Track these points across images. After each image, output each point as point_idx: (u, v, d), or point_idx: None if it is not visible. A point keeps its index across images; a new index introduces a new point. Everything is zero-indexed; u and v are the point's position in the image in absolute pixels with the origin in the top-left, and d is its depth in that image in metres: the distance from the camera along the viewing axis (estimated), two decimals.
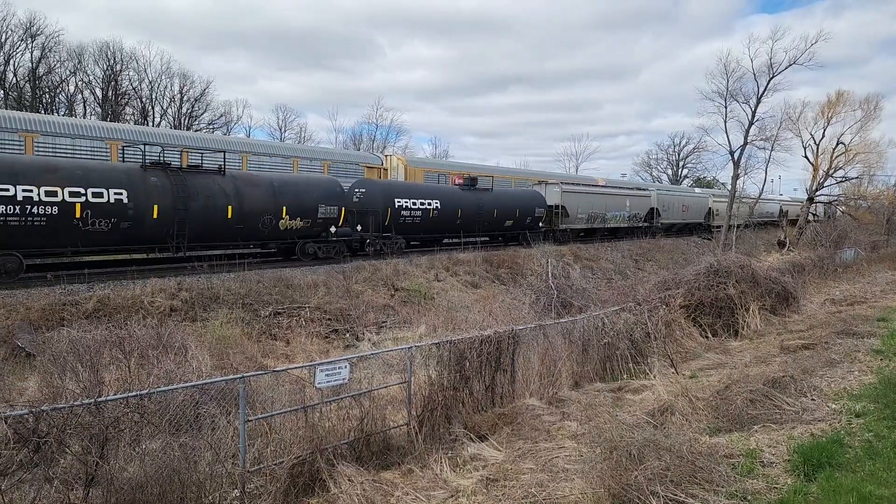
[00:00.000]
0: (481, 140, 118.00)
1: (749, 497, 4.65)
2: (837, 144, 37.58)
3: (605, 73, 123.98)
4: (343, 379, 6.63)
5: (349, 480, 5.87)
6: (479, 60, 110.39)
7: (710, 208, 48.59)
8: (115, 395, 5.88)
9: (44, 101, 47.09)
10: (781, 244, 36.45)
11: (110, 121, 42.18)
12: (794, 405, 6.85)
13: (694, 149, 79.24)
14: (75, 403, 5.20)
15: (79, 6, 69.90)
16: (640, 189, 43.09)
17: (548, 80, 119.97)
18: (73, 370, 7.70)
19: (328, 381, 6.50)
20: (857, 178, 39.67)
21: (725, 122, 34.01)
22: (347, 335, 14.54)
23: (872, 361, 9.23)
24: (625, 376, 9.57)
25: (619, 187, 42.55)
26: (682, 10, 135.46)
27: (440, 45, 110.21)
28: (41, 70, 46.57)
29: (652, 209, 41.26)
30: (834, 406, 6.98)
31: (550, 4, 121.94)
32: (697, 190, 58.67)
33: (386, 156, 30.12)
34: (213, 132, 52.96)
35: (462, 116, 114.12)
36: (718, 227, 42.73)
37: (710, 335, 12.92)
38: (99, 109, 49.74)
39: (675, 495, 4.34)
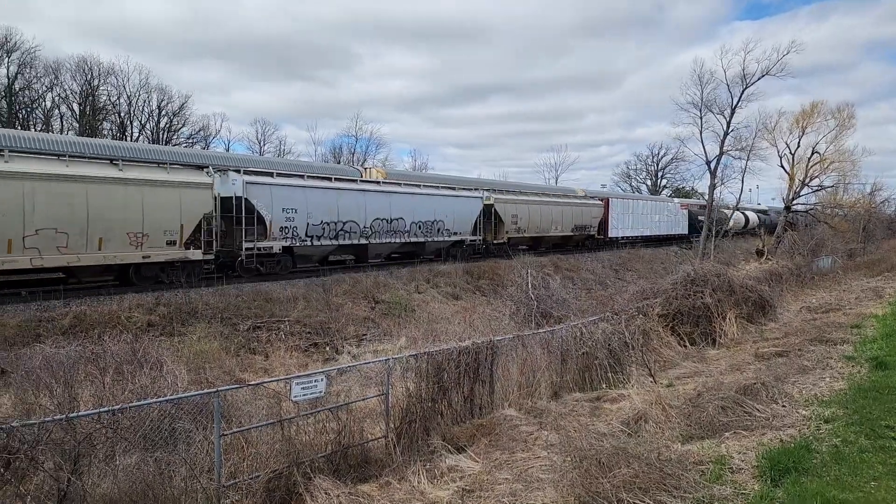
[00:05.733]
0: (462, 151, 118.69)
1: (716, 502, 4.74)
2: (812, 154, 38.41)
3: (588, 81, 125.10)
4: (319, 392, 6.63)
5: (326, 494, 5.87)
6: (460, 69, 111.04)
7: (489, 211, 29.05)
8: (88, 410, 5.83)
9: (20, 116, 46.46)
10: (760, 253, 37.09)
11: (87, 136, 41.72)
12: (765, 412, 6.98)
13: (672, 159, 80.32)
14: (46, 419, 5.15)
15: (45, 17, 68.94)
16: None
17: (529, 90, 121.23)
18: (47, 386, 7.60)
19: (304, 395, 6.51)
20: (832, 186, 40.58)
21: (701, 132, 34.74)
22: (327, 348, 14.50)
23: (844, 368, 9.40)
24: (603, 386, 9.66)
25: None
26: (667, 17, 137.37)
27: (420, 53, 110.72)
28: (17, 85, 45.99)
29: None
30: (804, 412, 7.11)
31: (532, 11, 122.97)
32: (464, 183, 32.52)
33: (365, 168, 30.11)
34: (192, 146, 52.59)
35: (442, 127, 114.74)
36: (517, 244, 30.75)
37: (688, 344, 13.08)
38: (76, 125, 49.19)
39: (643, 502, 4.41)
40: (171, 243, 16.45)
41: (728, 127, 34.41)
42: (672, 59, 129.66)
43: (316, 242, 20.50)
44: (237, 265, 18.60)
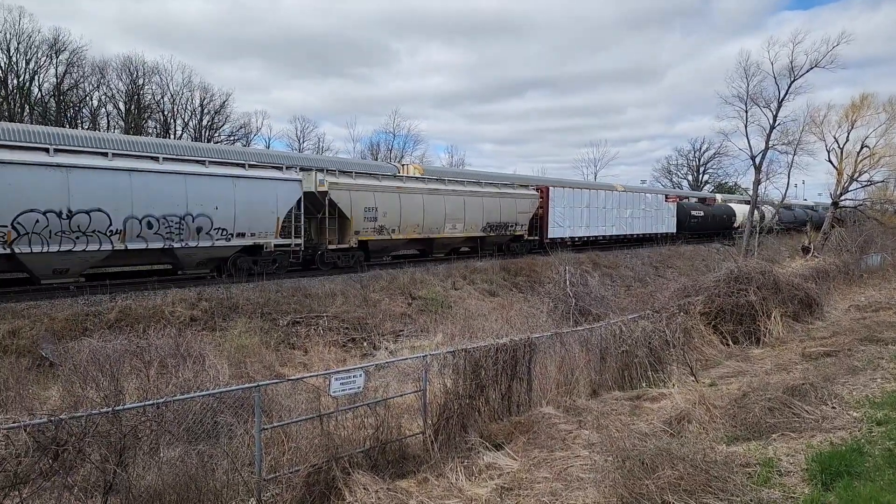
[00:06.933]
0: (499, 147, 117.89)
1: None
2: (862, 148, 36.88)
3: (629, 75, 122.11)
4: (358, 387, 6.67)
5: (364, 489, 5.89)
6: (497, 65, 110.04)
7: (321, 201, 19.24)
8: (133, 403, 5.99)
9: (68, 115, 48.16)
10: (806, 250, 35.78)
11: (132, 134, 42.98)
12: (814, 413, 6.72)
13: (715, 154, 78.01)
14: (93, 412, 5.30)
15: (89, 17, 70.92)
16: None
17: (568, 84, 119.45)
18: (93, 379, 7.85)
19: (343, 390, 6.55)
20: (882, 181, 38.89)
21: (746, 126, 33.69)
22: (365, 344, 14.63)
23: None
24: (643, 384, 9.47)
25: None
26: (713, 7, 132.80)
27: (457, 49, 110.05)
28: (65, 85, 47.64)
29: None
30: (855, 414, 6.84)
31: (571, 5, 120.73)
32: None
33: (402, 165, 30.19)
34: (233, 143, 53.72)
35: (479, 123, 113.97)
36: (383, 250, 21.00)
37: (731, 342, 12.74)
38: (122, 123, 50.76)
39: None
40: None
41: (774, 121, 33.31)
42: (716, 51, 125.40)
43: None
44: None
